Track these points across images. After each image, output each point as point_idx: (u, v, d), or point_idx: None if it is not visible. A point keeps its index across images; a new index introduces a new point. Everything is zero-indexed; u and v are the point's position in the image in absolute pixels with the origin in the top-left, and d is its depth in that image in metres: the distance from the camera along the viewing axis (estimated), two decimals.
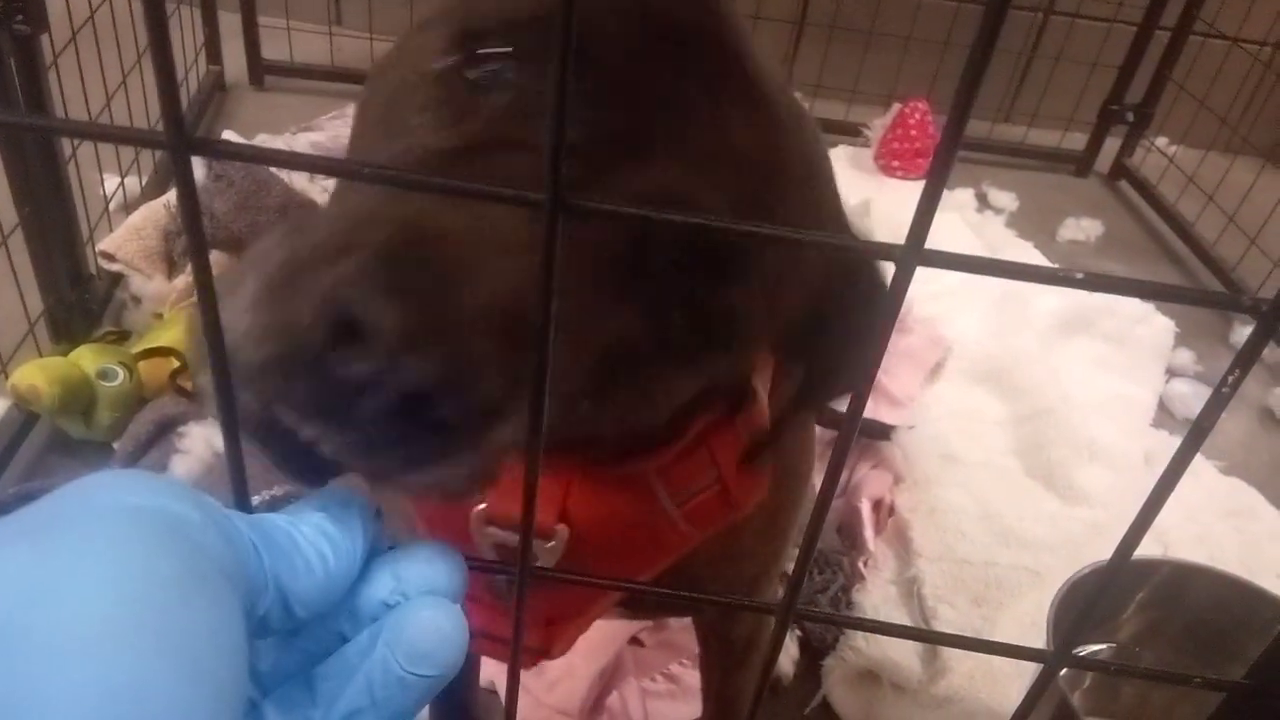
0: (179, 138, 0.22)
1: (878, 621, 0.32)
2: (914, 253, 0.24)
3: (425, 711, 0.95)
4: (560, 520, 0.50)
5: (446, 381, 0.23)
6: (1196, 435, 0.27)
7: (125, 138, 0.24)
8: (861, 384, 0.26)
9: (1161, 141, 2.26)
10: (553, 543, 0.49)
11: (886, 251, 0.24)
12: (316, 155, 0.19)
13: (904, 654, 1.09)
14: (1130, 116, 2.19)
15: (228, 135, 1.66)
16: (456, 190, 0.23)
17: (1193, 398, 1.55)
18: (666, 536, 0.53)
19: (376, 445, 0.24)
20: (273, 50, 2.04)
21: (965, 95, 0.22)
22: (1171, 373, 1.62)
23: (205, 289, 0.24)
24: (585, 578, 0.36)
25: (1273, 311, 0.24)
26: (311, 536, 0.28)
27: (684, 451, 0.51)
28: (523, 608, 0.31)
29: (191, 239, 0.23)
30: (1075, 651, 1.09)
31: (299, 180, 1.63)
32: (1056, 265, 1.79)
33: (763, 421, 0.53)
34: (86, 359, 1.19)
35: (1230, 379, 0.26)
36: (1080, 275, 0.25)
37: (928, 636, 0.31)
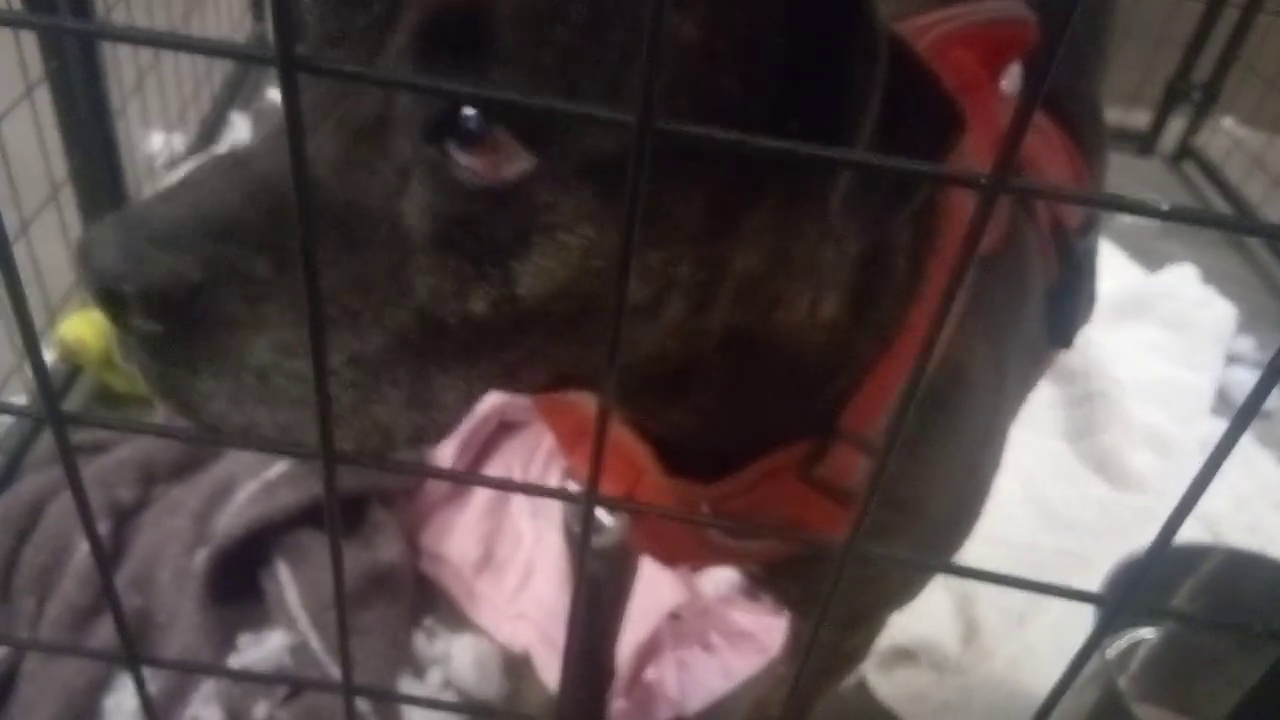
0: (289, 54, 0.22)
1: (939, 562, 0.32)
2: (999, 181, 0.22)
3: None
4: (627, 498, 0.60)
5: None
6: (1245, 414, 0.26)
7: (231, 52, 0.25)
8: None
9: (1228, 122, 2.18)
10: (612, 521, 0.63)
11: (971, 180, 0.22)
12: (415, 76, 0.20)
13: (943, 634, 1.08)
14: (1197, 95, 2.12)
15: (272, 93, 1.67)
16: (549, 108, 0.24)
17: (1253, 385, 1.51)
18: (712, 549, 0.60)
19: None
20: None
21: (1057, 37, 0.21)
22: (1232, 359, 1.57)
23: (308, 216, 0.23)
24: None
25: None
26: None
27: (744, 487, 0.54)
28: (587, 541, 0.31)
29: (295, 158, 0.23)
30: (1117, 635, 1.05)
31: None
32: (1117, 246, 1.73)
33: (846, 478, 0.52)
34: None
35: None
36: (1166, 206, 0.24)
37: (982, 575, 0.30)
